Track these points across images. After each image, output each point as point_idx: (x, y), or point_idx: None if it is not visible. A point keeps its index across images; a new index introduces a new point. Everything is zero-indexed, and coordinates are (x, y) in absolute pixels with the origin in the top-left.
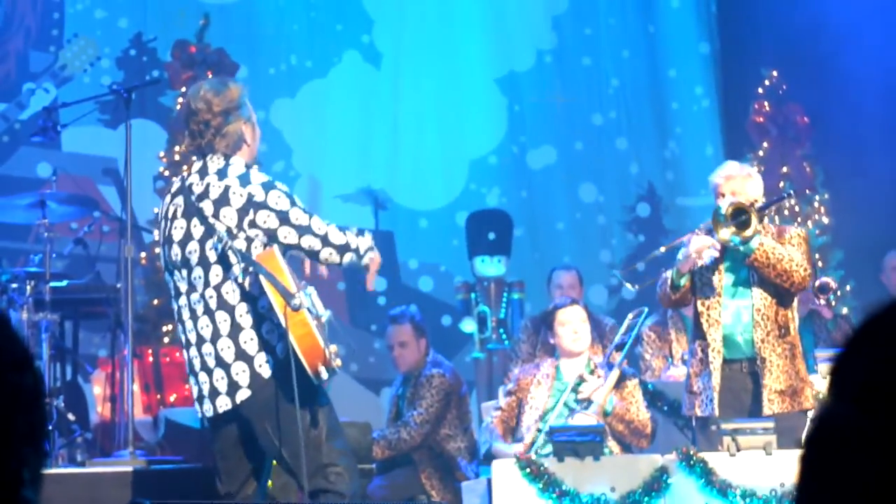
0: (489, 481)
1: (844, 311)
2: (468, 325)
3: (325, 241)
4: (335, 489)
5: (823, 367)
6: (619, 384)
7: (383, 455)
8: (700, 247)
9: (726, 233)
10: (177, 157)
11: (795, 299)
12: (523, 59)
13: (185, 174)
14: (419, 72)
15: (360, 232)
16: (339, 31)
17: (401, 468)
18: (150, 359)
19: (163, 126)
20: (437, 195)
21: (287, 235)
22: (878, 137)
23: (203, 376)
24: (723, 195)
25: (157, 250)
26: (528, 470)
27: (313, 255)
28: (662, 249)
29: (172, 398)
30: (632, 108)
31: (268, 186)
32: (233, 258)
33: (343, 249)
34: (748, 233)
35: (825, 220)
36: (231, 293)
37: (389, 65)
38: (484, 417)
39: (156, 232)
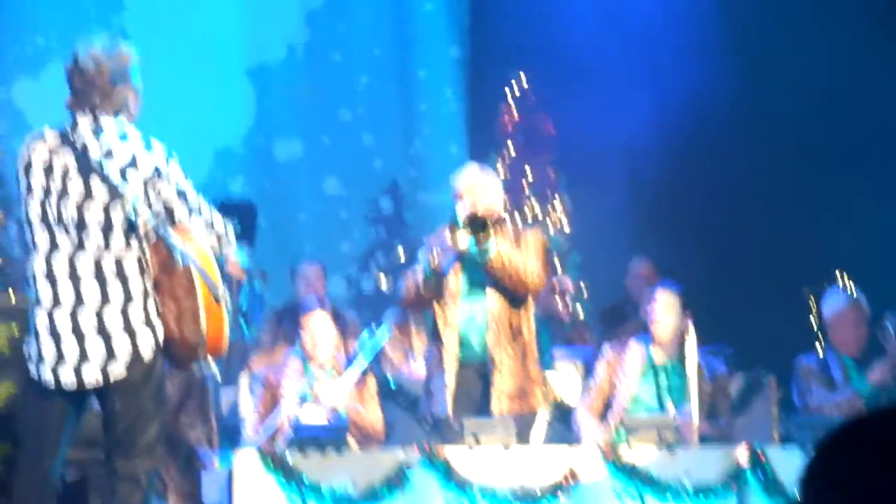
0: (230, 472)
1: (581, 317)
2: None
3: (211, 227)
4: (144, 477)
5: (560, 365)
6: (359, 383)
7: None
8: (438, 246)
9: (464, 241)
10: None
11: (530, 301)
12: (275, 52)
13: (68, 130)
14: (169, 57)
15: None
16: (89, 13)
17: None
18: None
19: None
20: None
21: (181, 212)
22: (617, 144)
23: (70, 340)
24: (461, 198)
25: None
26: (269, 461)
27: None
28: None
29: None
30: (380, 106)
31: (170, 158)
32: (141, 227)
33: (222, 242)
34: (486, 244)
35: (565, 223)
36: (129, 262)
37: (139, 48)
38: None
39: (23, 182)
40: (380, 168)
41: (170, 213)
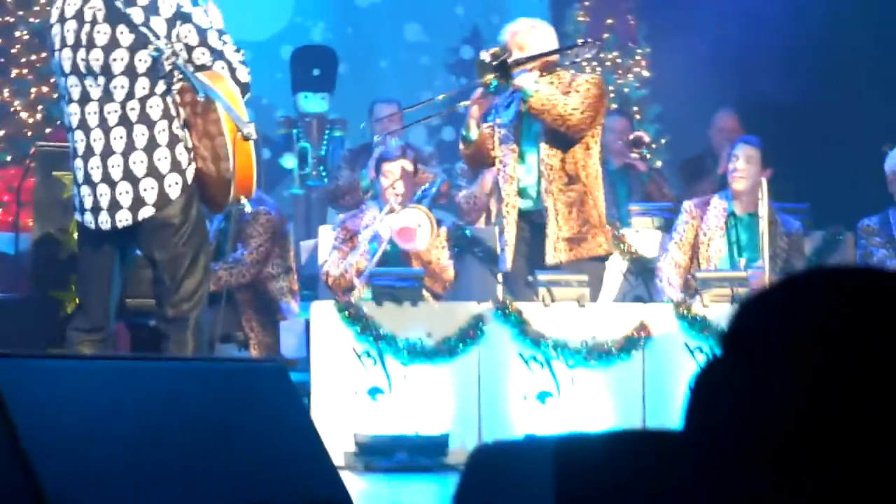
0: (307, 322)
1: (658, 164)
2: (288, 161)
3: (233, 74)
4: (193, 320)
5: (637, 221)
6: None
7: (213, 290)
8: (476, 100)
9: (488, 77)
10: None
11: (592, 147)
12: None
13: None
14: None
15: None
16: None
17: (216, 305)
18: None
19: None
20: (262, 26)
21: (201, 56)
22: None
23: (103, 188)
24: (511, 51)
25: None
26: (346, 313)
27: None
28: (440, 98)
29: None
30: None
31: (196, 3)
32: (166, 67)
33: (245, 89)
34: (508, 80)
35: (645, 73)
36: (154, 108)
37: None
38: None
39: (57, 33)
40: (461, 14)
41: (191, 54)
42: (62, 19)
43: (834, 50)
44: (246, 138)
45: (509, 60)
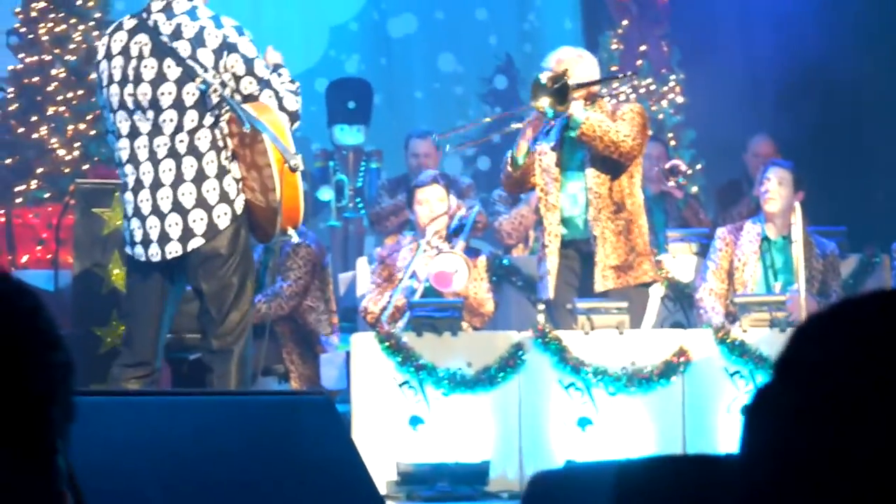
0: (348, 354)
1: (694, 189)
2: (325, 194)
3: (280, 103)
4: (238, 352)
5: (674, 247)
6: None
7: (255, 323)
8: (530, 121)
9: (544, 101)
10: (33, 14)
11: (635, 175)
12: None
13: (143, 13)
14: None
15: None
16: None
17: (259, 339)
18: (2, 220)
19: None
20: (297, 60)
21: (249, 86)
22: (734, 18)
23: (153, 220)
24: (567, 76)
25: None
26: (386, 344)
27: None
28: (488, 119)
29: (24, 259)
30: None
31: (240, 30)
32: (214, 99)
33: (294, 118)
34: (565, 105)
35: (679, 99)
36: (202, 139)
37: None
38: (341, 289)
39: (104, 70)
40: (494, 44)
41: (238, 84)
42: (109, 56)
43: (868, 73)
44: (293, 170)
45: (570, 84)
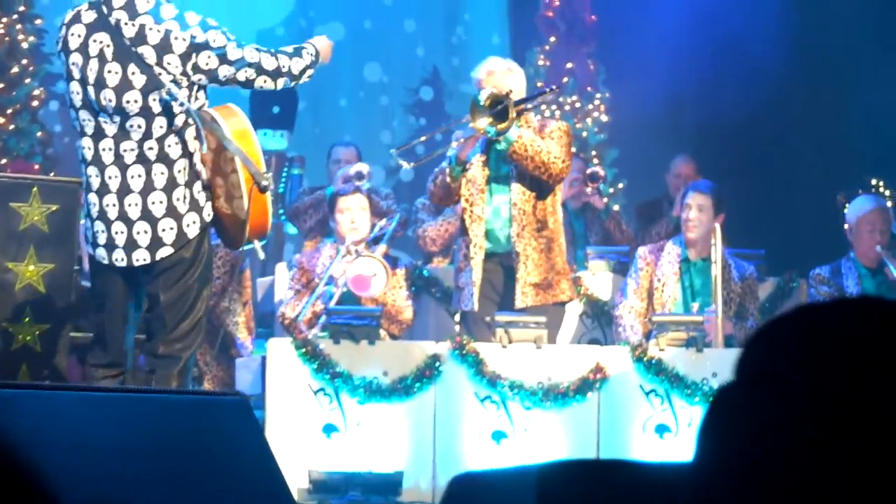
0: (263, 359)
1: (616, 208)
2: None
3: (259, 69)
4: (184, 360)
5: (593, 264)
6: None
7: None
8: (467, 136)
9: (483, 122)
10: None
11: (557, 193)
12: None
13: (102, 6)
14: None
15: (297, 51)
16: None
17: None
18: None
19: None
20: None
21: (226, 72)
22: (657, 39)
23: (120, 225)
24: (482, 86)
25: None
26: (303, 350)
27: (249, 85)
28: (442, 129)
29: None
30: None
31: (205, 26)
32: (177, 110)
33: (276, 75)
34: (504, 124)
35: (603, 118)
36: (173, 146)
37: None
38: (259, 293)
39: (63, 63)
40: (422, 56)
41: (215, 78)
42: (66, 50)
43: (791, 99)
44: (262, 191)
45: (510, 105)
